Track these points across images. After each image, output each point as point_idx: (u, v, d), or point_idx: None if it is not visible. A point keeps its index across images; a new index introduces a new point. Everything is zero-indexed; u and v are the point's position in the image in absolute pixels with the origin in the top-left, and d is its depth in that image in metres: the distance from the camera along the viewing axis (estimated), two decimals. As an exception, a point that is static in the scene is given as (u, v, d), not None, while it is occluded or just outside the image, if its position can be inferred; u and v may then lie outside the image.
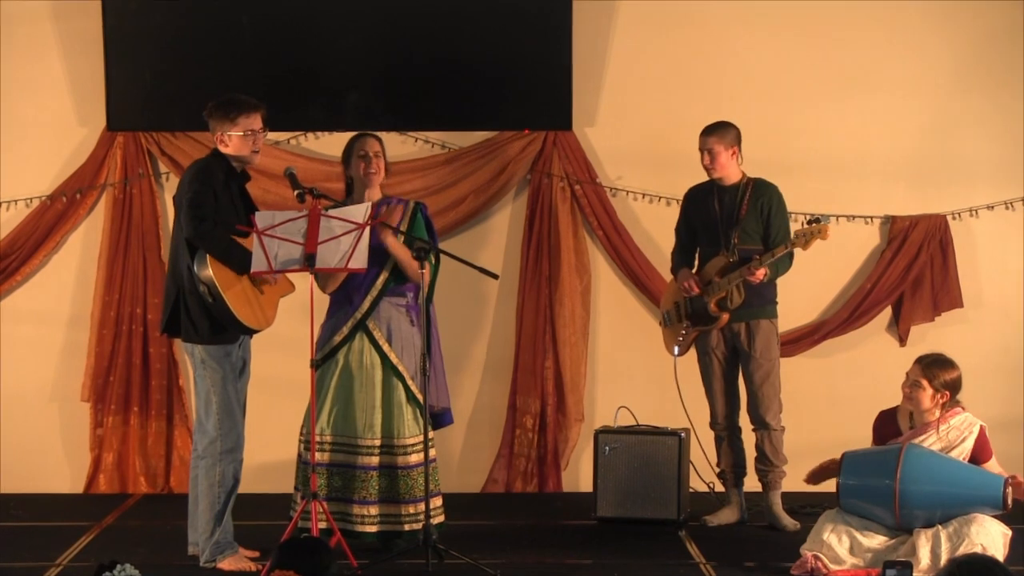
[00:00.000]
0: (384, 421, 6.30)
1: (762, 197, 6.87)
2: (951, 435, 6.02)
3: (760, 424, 6.93)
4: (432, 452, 6.29)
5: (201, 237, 5.93)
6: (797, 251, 6.75)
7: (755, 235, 6.86)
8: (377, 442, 6.28)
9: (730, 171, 6.89)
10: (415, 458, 6.28)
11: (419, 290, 6.31)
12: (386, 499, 6.30)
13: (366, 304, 6.32)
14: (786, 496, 7.01)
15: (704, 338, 6.99)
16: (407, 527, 6.28)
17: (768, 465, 6.93)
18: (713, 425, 7.06)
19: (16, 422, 7.76)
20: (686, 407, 7.08)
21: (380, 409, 6.29)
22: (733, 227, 6.84)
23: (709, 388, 7.03)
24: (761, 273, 6.71)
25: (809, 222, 6.64)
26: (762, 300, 6.88)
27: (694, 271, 7.00)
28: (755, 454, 6.97)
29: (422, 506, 6.18)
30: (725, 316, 6.85)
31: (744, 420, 7.04)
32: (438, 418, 6.55)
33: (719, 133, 6.84)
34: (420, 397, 6.28)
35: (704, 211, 6.94)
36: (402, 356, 6.33)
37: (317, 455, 6.20)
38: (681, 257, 7.09)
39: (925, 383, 6.03)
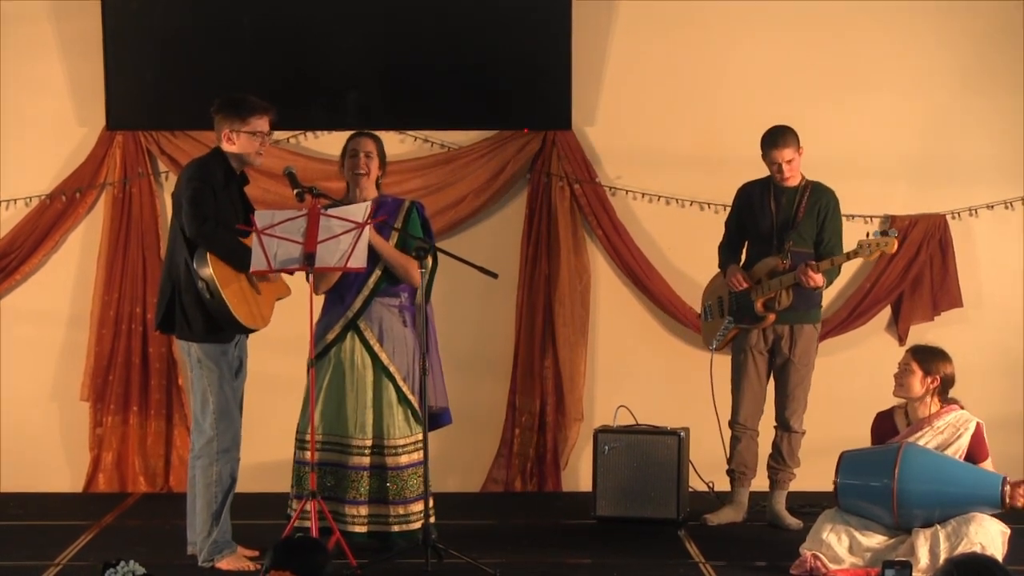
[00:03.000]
0: (375, 421, 6.29)
1: (820, 201, 6.83)
2: (947, 432, 6.02)
3: (784, 426, 6.91)
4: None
5: (203, 236, 5.92)
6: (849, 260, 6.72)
7: (808, 239, 6.81)
8: (368, 442, 6.27)
9: (797, 173, 6.86)
10: (404, 459, 6.27)
11: (413, 291, 6.31)
12: (376, 500, 6.29)
13: (357, 303, 6.31)
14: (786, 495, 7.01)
15: (743, 336, 6.94)
16: (395, 528, 6.26)
17: (782, 465, 6.92)
18: (733, 423, 7.01)
19: (16, 421, 7.76)
20: (716, 403, 7.05)
21: (371, 409, 6.29)
22: (789, 230, 6.80)
23: (738, 386, 6.97)
24: (819, 279, 6.67)
25: (879, 233, 6.59)
26: (808, 304, 6.85)
27: (740, 267, 6.95)
28: (770, 452, 6.96)
29: (411, 507, 6.20)
30: (771, 317, 6.81)
31: (763, 422, 7.01)
32: (436, 418, 6.52)
33: (791, 140, 6.76)
34: (411, 398, 6.28)
35: (760, 211, 6.87)
36: (393, 356, 6.32)
37: (309, 454, 6.19)
38: (729, 252, 7.02)
39: (915, 366, 6.04)
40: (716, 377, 7.04)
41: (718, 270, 7.11)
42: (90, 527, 6.88)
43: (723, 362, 7.09)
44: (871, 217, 7.76)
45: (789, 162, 6.78)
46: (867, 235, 6.65)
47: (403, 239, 6.27)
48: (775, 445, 6.95)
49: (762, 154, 6.83)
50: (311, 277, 6.09)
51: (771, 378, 6.97)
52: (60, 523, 7.02)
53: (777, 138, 6.79)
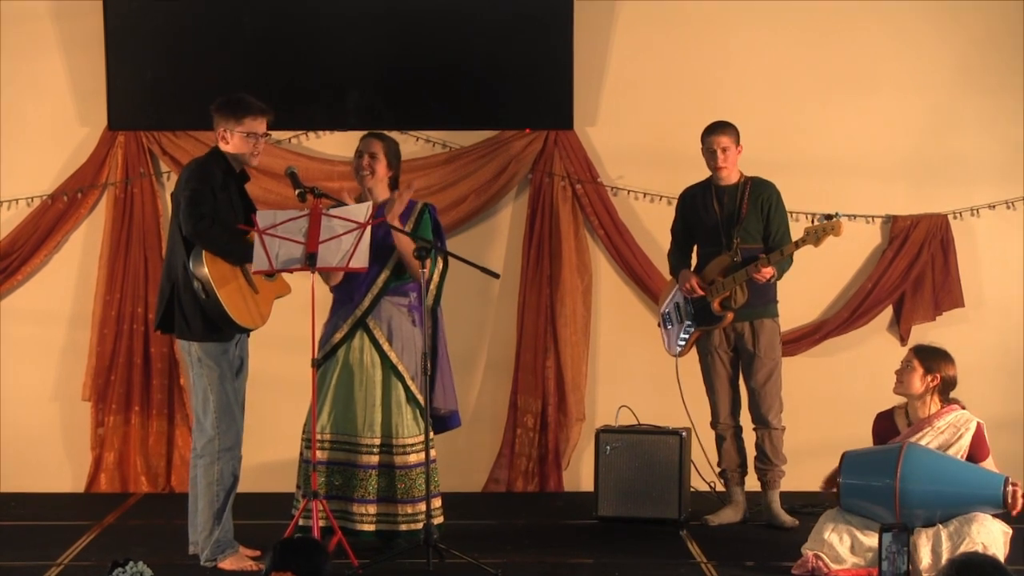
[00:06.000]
0: (384, 420, 6.30)
1: (762, 195, 6.88)
2: (948, 432, 6.02)
3: (761, 423, 6.94)
4: (433, 452, 6.29)
5: (199, 234, 5.93)
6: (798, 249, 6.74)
7: (756, 234, 6.87)
8: (377, 441, 6.28)
9: (734, 170, 6.90)
10: (414, 458, 6.28)
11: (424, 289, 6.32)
12: (384, 498, 6.30)
13: (366, 302, 6.33)
14: (786, 495, 7.02)
15: (706, 338, 6.99)
16: (403, 527, 6.28)
17: (768, 464, 6.93)
18: (715, 425, 7.06)
19: (17, 421, 7.76)
20: (687, 407, 7.07)
21: (380, 408, 6.29)
22: (735, 227, 6.85)
23: (711, 388, 7.02)
24: (769, 272, 6.71)
25: (824, 218, 6.63)
26: (765, 299, 6.89)
27: (692, 271, 7.00)
28: (755, 454, 6.97)
29: (419, 506, 6.20)
30: (729, 315, 6.86)
31: (744, 419, 7.04)
32: (445, 421, 6.55)
33: (730, 131, 6.86)
34: (420, 397, 6.28)
35: (704, 212, 6.94)
36: (402, 356, 6.33)
37: (318, 453, 6.20)
38: (679, 258, 7.10)
39: (916, 363, 6.04)
40: (688, 383, 7.06)
41: (670, 277, 7.18)
42: (92, 527, 6.88)
43: (691, 369, 7.11)
44: (872, 217, 7.77)
45: (724, 150, 6.83)
46: (812, 222, 6.68)
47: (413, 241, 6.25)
48: (758, 446, 6.96)
49: (701, 148, 6.89)
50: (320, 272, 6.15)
51: (741, 378, 7.01)
52: (62, 523, 7.02)
53: (715, 126, 6.88)
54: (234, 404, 6.13)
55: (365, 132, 6.55)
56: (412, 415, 6.31)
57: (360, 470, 6.27)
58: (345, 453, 6.30)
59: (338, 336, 6.33)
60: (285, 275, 6.24)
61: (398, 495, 6.27)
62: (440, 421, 6.51)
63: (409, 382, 6.31)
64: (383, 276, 6.33)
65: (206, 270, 5.90)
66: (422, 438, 6.27)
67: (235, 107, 6.10)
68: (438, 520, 6.33)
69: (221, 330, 6.04)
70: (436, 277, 6.35)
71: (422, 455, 6.24)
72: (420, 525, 6.20)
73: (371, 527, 6.29)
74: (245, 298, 6.05)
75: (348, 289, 6.35)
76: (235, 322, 5.98)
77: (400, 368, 6.31)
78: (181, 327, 6.07)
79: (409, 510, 6.27)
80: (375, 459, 6.28)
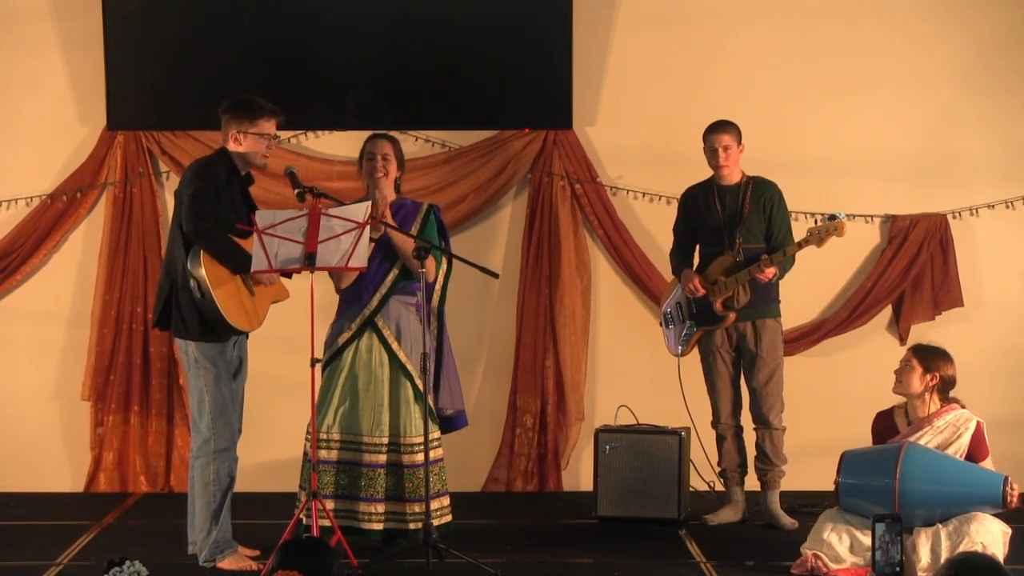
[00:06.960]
0: (392, 419, 6.30)
1: (764, 195, 6.88)
2: (947, 431, 6.02)
3: (762, 423, 6.93)
4: (440, 451, 6.31)
5: (200, 234, 5.93)
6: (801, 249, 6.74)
7: (758, 234, 6.86)
8: (384, 440, 6.28)
9: (736, 169, 6.90)
10: (422, 457, 6.27)
11: (428, 290, 6.32)
12: (392, 497, 6.30)
13: (375, 301, 6.33)
14: (785, 495, 7.02)
15: (708, 337, 6.98)
16: (412, 525, 6.27)
17: (768, 464, 6.93)
18: (715, 424, 7.06)
19: (17, 421, 7.76)
20: (688, 406, 7.07)
21: (388, 407, 6.29)
22: (737, 227, 6.84)
23: (712, 387, 7.02)
24: (771, 272, 6.71)
25: (827, 219, 6.63)
26: (767, 299, 6.89)
27: (695, 271, 7.00)
28: (755, 453, 6.97)
29: (429, 504, 6.19)
30: (732, 315, 6.85)
31: (745, 419, 7.04)
32: (452, 421, 6.56)
33: (732, 130, 6.85)
34: (429, 397, 6.28)
35: (706, 212, 6.94)
36: (411, 354, 6.33)
37: (325, 453, 6.21)
38: (681, 258, 7.10)
39: (915, 363, 6.05)
40: (688, 382, 7.06)
41: (672, 277, 7.18)
42: (91, 527, 6.88)
43: (693, 368, 7.10)
44: (872, 217, 7.77)
45: (726, 148, 6.83)
46: (816, 222, 6.68)
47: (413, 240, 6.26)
48: (758, 446, 6.96)
49: (703, 147, 6.90)
50: (330, 274, 6.16)
51: (742, 377, 7.01)
52: (61, 523, 7.02)
53: (717, 125, 6.89)
54: (230, 405, 6.13)
55: (370, 133, 6.55)
56: (420, 414, 6.30)
57: (367, 469, 6.27)
58: (351, 452, 6.30)
59: (345, 336, 6.33)
60: (286, 282, 6.25)
61: (407, 494, 6.27)
62: (447, 421, 6.52)
63: (417, 381, 6.30)
64: (392, 276, 6.34)
65: (203, 271, 5.90)
66: (431, 436, 6.27)
67: (248, 108, 6.12)
68: (446, 519, 6.34)
69: (217, 330, 6.04)
70: (440, 277, 6.36)
71: (431, 453, 6.24)
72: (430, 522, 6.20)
73: (379, 526, 6.29)
74: (241, 300, 6.04)
75: (356, 289, 6.36)
76: (229, 323, 5.97)
77: (409, 367, 6.31)
78: (178, 326, 6.07)
79: (417, 509, 6.26)
80: (382, 458, 6.28)
